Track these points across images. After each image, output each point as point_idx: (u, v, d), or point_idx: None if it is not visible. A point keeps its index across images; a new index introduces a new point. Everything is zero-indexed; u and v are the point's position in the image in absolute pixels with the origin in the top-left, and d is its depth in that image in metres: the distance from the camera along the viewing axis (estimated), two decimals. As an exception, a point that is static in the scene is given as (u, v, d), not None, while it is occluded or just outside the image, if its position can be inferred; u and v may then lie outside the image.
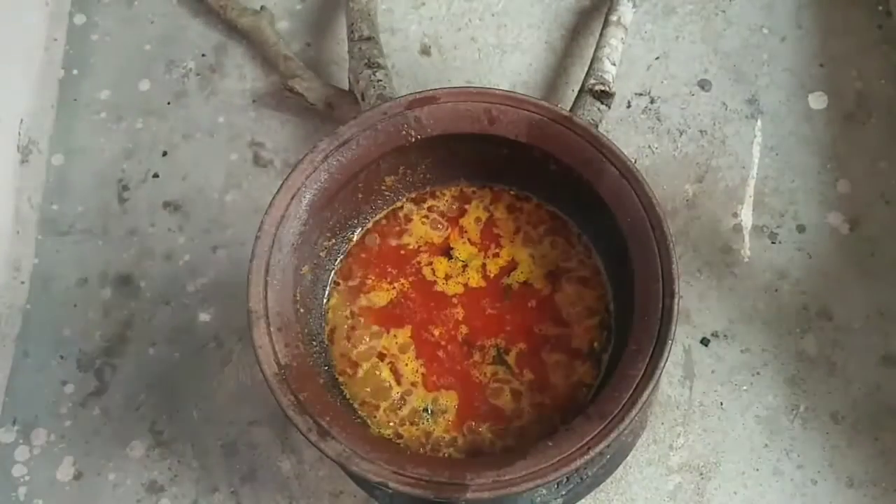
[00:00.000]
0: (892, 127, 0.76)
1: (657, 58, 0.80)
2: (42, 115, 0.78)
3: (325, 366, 0.55)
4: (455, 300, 0.58)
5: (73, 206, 0.76)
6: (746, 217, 0.73)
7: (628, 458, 0.65)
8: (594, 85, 0.69)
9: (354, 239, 0.60)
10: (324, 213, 0.56)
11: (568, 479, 0.61)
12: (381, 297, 0.58)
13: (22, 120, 0.75)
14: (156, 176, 0.77)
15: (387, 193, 0.60)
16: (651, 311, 0.51)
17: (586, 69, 0.72)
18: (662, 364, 0.49)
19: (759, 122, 0.77)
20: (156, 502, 0.67)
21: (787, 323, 0.70)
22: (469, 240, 0.60)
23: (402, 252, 0.60)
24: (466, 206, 0.61)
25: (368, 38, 0.74)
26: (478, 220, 0.60)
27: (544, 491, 0.60)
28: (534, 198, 0.60)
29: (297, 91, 0.77)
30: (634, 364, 0.49)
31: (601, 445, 0.47)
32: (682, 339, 0.70)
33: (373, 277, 0.59)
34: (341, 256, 0.59)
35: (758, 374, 0.69)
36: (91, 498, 0.67)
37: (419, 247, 0.60)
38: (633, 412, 0.48)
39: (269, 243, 0.53)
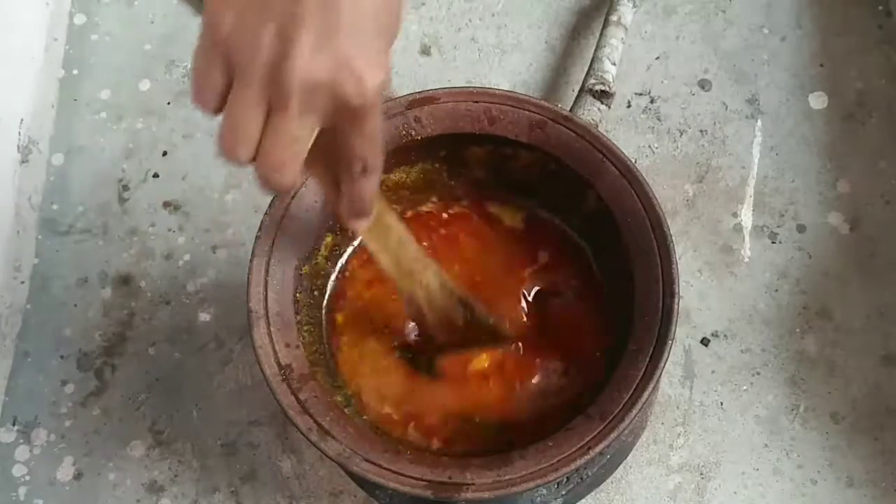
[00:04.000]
0: (892, 127, 0.76)
1: (657, 58, 0.80)
2: (42, 115, 0.78)
3: (326, 366, 0.55)
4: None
5: (73, 206, 0.76)
6: (746, 217, 0.73)
7: (628, 458, 0.65)
8: (594, 85, 0.69)
9: (356, 238, 0.60)
10: (325, 213, 0.56)
11: (568, 479, 0.61)
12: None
13: (22, 120, 0.75)
14: (156, 176, 0.77)
15: (386, 193, 0.60)
16: (651, 311, 0.51)
17: (586, 69, 0.71)
18: (662, 364, 0.49)
19: (759, 122, 0.77)
20: (156, 502, 0.67)
21: (787, 323, 0.70)
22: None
23: None
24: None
25: (368, 38, 0.74)
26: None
27: (544, 491, 0.60)
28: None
29: (297, 91, 0.77)
30: (634, 364, 0.49)
31: (601, 445, 0.47)
32: (682, 339, 0.70)
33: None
34: (343, 256, 0.59)
35: (758, 374, 0.69)
36: (91, 498, 0.67)
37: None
38: (633, 412, 0.48)
39: (269, 243, 0.53)
